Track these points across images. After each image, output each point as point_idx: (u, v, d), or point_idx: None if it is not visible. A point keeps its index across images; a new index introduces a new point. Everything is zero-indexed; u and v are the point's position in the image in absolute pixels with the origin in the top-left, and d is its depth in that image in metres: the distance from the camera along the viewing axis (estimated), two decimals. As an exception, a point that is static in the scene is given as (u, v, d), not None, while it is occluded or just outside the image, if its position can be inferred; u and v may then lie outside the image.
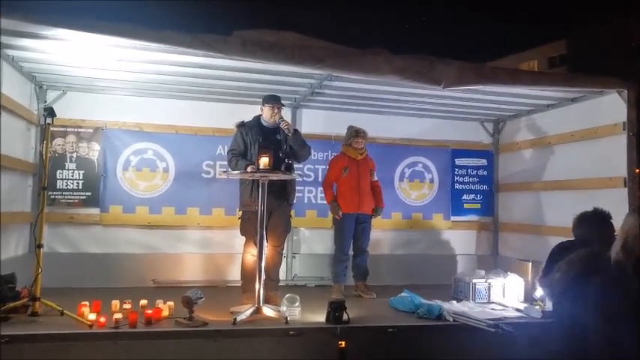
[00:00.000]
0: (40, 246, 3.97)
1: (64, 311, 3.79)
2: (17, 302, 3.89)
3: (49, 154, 4.26)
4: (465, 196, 6.77)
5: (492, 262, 6.43)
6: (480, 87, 4.68)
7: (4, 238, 4.77)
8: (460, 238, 6.67)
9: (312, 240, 6.25)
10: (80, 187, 5.65)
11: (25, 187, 5.34)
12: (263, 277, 4.24)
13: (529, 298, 5.00)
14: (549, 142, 5.87)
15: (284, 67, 4.42)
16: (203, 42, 3.74)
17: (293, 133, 4.65)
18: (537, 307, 4.64)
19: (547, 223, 5.80)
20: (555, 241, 5.55)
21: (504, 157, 6.78)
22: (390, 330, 3.97)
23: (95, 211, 5.67)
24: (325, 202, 5.57)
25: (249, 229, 4.59)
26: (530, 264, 5.36)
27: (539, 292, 4.89)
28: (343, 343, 3.78)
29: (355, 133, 5.41)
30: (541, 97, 5.52)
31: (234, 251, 5.31)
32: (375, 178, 5.55)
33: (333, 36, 4.05)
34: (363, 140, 5.41)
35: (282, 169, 4.31)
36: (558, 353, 4.00)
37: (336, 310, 3.98)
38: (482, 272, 5.23)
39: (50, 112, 4.00)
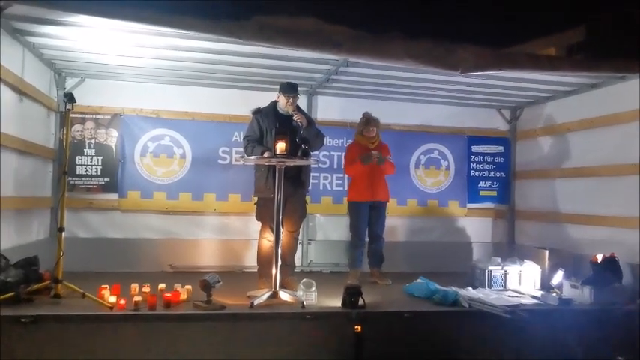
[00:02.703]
0: (61, 229, 4.05)
1: (86, 293, 3.87)
2: (40, 284, 3.98)
3: (68, 141, 4.31)
4: (481, 184, 6.73)
5: (508, 249, 6.39)
6: (499, 72, 4.63)
7: (26, 223, 4.88)
8: (476, 226, 6.64)
9: (327, 226, 6.27)
10: (99, 173, 5.72)
11: (45, 173, 5.43)
12: (279, 262, 4.27)
13: (546, 285, 4.98)
14: (568, 129, 5.80)
15: (300, 53, 4.42)
16: (221, 27, 3.75)
17: (306, 127, 4.62)
18: (554, 294, 4.62)
19: (565, 211, 5.75)
20: (573, 229, 5.58)
21: (522, 145, 6.71)
22: (406, 315, 3.99)
23: (114, 196, 5.75)
24: (346, 190, 5.60)
25: (264, 214, 4.62)
26: (547, 252, 5.32)
27: (556, 279, 4.89)
28: (359, 327, 3.81)
29: (366, 121, 5.37)
30: (560, 83, 5.44)
31: (251, 237, 5.36)
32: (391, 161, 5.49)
33: (349, 21, 4.02)
34: (375, 129, 5.36)
35: (299, 154, 4.32)
36: (575, 339, 4.04)
37: (352, 294, 4.00)
38: (499, 259, 5.21)
39: (70, 97, 4.05)
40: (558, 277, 4.87)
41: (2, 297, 3.63)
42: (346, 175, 5.76)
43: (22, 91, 4.57)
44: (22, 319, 3.37)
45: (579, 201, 5.55)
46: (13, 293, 3.69)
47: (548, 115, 6.17)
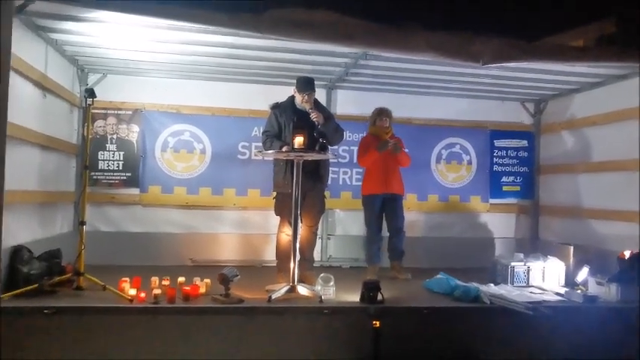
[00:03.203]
0: (82, 223, 4.11)
1: (106, 286, 3.93)
2: (62, 277, 4.06)
3: (90, 136, 4.38)
4: (504, 179, 6.61)
5: (532, 245, 6.26)
6: (522, 64, 4.52)
7: (50, 217, 4.98)
8: (498, 221, 6.53)
9: (346, 221, 6.24)
10: (120, 168, 5.80)
11: (69, 168, 5.53)
12: (298, 256, 4.26)
13: (570, 282, 4.87)
14: (594, 122, 5.64)
15: (318, 47, 4.40)
16: (238, 21, 3.74)
17: (323, 123, 4.54)
18: (579, 291, 4.51)
19: (591, 206, 5.60)
20: (600, 224, 5.43)
21: (546, 138, 6.56)
22: (425, 311, 3.94)
23: (135, 191, 5.82)
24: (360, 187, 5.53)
25: (283, 209, 4.62)
26: (572, 248, 5.20)
27: (581, 276, 4.77)
28: (377, 322, 3.77)
29: (379, 112, 5.33)
30: (587, 74, 5.30)
31: (270, 232, 5.36)
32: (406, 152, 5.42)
33: (368, 13, 3.97)
34: (387, 119, 5.31)
35: (317, 148, 4.29)
36: (600, 338, 3.93)
37: (370, 290, 3.97)
38: (521, 255, 5.11)
39: (90, 93, 4.11)
40: (583, 274, 4.76)
41: (26, 289, 3.73)
42: (361, 167, 5.66)
43: (45, 87, 4.65)
44: (45, 311, 3.45)
45: (606, 196, 5.40)
46: (36, 285, 3.77)
47: (573, 107, 6.02)
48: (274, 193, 4.83)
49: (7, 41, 3.36)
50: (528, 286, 4.84)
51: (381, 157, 5.21)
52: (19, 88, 4.00)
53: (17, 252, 3.93)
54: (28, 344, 3.41)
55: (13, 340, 3.37)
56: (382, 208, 5.30)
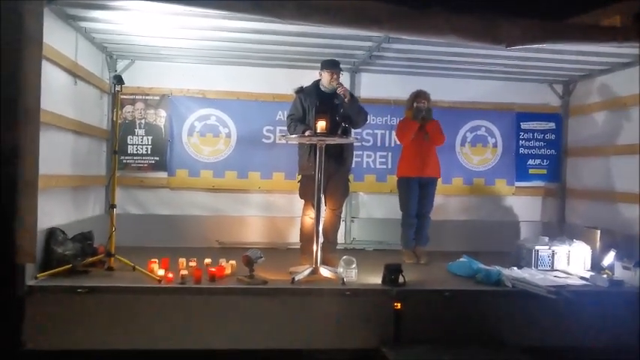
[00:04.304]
0: (113, 206, 4.27)
1: (136, 267, 4.08)
2: (95, 257, 4.24)
3: (119, 121, 4.51)
4: (530, 161, 6.51)
5: (558, 229, 6.19)
6: (548, 45, 4.43)
7: (83, 200, 5.16)
8: (524, 205, 6.46)
9: (370, 204, 6.27)
10: (149, 152, 5.94)
11: (100, 152, 5.69)
12: (321, 239, 4.33)
13: (596, 266, 4.82)
14: (625, 104, 5.49)
15: (342, 31, 4.39)
16: (261, 7, 3.76)
17: (349, 100, 4.61)
18: (605, 275, 4.47)
19: (619, 190, 5.49)
20: (627, 208, 5.33)
21: (574, 120, 6.42)
22: (447, 294, 3.98)
23: (163, 174, 5.96)
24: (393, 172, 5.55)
25: (307, 192, 4.67)
26: (599, 232, 5.14)
27: (607, 260, 4.72)
28: (399, 304, 3.83)
29: (417, 94, 5.29)
30: (618, 54, 5.13)
31: (294, 215, 5.44)
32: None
33: (391, -4, 3.94)
34: (425, 101, 5.28)
35: (339, 132, 4.33)
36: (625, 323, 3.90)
37: (392, 272, 4.03)
38: (546, 239, 5.07)
39: (119, 79, 4.23)
40: (610, 258, 4.70)
41: (60, 269, 3.90)
42: (401, 143, 5.54)
43: (76, 74, 4.78)
44: (79, 290, 3.63)
45: (635, 179, 5.28)
46: (70, 265, 3.95)
47: (603, 88, 5.86)
48: (299, 177, 4.90)
49: (38, 31, 3.49)
50: (553, 270, 4.81)
51: (417, 141, 5.19)
52: (51, 76, 4.13)
53: (52, 233, 4.10)
54: (62, 321, 3.60)
55: (48, 316, 3.57)
56: (418, 192, 5.26)
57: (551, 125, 6.52)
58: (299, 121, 4.69)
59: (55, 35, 4.14)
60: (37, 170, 3.52)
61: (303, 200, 4.84)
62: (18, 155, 3.44)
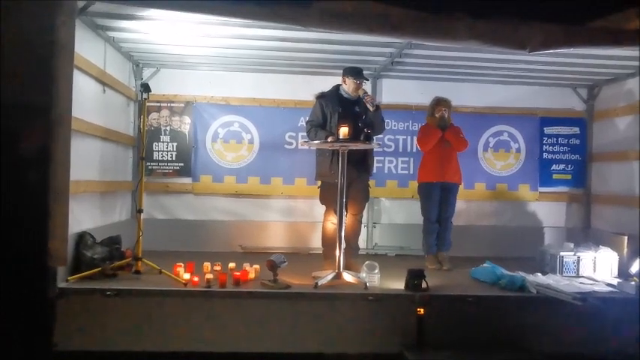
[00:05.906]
0: (140, 211, 4.37)
1: (162, 270, 4.18)
2: (122, 261, 4.33)
3: (145, 128, 4.63)
4: (554, 167, 6.44)
5: (583, 235, 6.11)
6: (571, 50, 4.39)
7: (110, 205, 5.29)
8: (548, 210, 6.39)
9: (392, 210, 6.28)
10: (174, 158, 6.06)
11: (126, 159, 5.83)
12: (343, 244, 4.36)
13: (624, 273, 4.74)
14: (651, 108, 5.42)
15: (363, 37, 4.42)
16: (283, 15, 3.81)
17: (375, 109, 4.59)
18: (633, 282, 4.39)
19: (646, 195, 5.40)
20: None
21: (599, 125, 6.33)
22: (470, 299, 3.96)
23: (187, 180, 6.07)
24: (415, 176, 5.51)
25: (328, 198, 4.69)
26: (626, 238, 5.05)
27: (635, 267, 4.63)
28: (422, 310, 3.82)
29: (437, 102, 5.29)
30: (643, 58, 5.07)
31: (316, 220, 5.47)
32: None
33: (411, 2, 3.96)
34: (445, 109, 5.26)
35: (362, 138, 4.35)
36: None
37: (414, 277, 4.02)
38: (571, 245, 5.01)
39: (146, 87, 4.34)
40: (638, 265, 4.62)
41: (90, 272, 4.01)
42: (422, 151, 5.59)
43: (104, 82, 4.93)
44: (107, 292, 3.71)
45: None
46: (99, 269, 4.05)
47: (629, 92, 5.77)
48: (319, 182, 4.93)
49: (70, 41, 3.61)
50: (578, 276, 4.75)
51: (438, 147, 5.18)
52: (81, 84, 4.27)
53: (81, 238, 4.21)
54: (91, 322, 3.69)
55: (78, 318, 3.66)
56: (439, 197, 5.23)
57: (576, 130, 6.45)
58: (319, 126, 4.70)
59: (85, 45, 4.28)
60: (69, 176, 3.61)
61: (324, 206, 4.87)
62: (50, 162, 3.54)
